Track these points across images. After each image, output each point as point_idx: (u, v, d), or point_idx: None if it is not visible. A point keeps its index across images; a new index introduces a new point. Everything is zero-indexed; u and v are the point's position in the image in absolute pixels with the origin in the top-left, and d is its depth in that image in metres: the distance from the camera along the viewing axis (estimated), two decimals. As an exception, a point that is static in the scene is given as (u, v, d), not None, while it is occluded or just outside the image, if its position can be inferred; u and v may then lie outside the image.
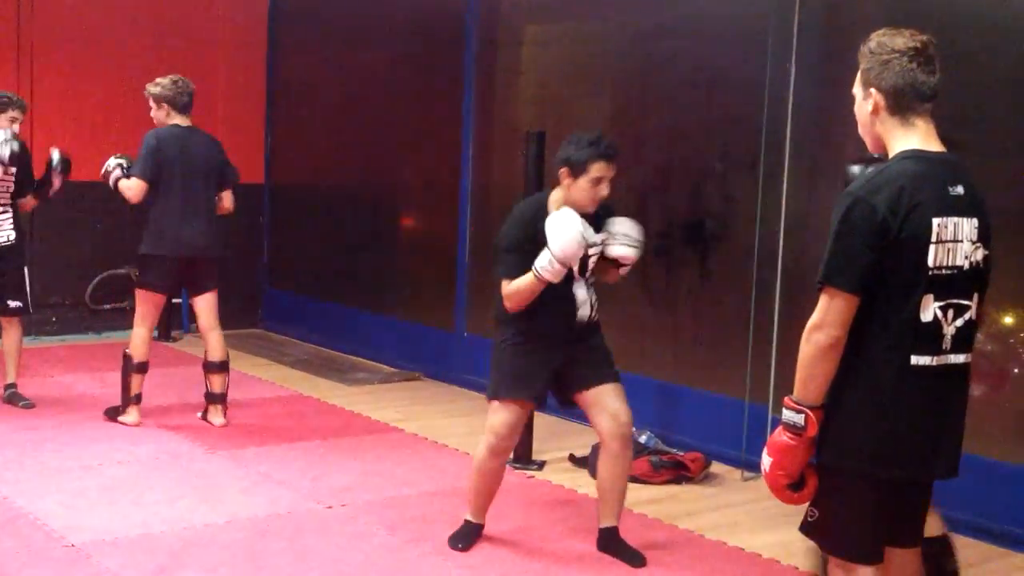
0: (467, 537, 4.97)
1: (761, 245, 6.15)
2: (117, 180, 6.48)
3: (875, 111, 3.01)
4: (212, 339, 6.75)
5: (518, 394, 4.75)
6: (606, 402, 4.73)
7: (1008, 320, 5.40)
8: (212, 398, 6.77)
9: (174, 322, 9.66)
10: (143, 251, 6.55)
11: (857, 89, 3.06)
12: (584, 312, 4.73)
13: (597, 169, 4.56)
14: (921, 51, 2.95)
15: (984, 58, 5.41)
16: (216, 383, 6.75)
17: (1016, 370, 5.40)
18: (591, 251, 4.60)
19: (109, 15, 9.34)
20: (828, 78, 5.95)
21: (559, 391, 4.89)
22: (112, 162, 6.54)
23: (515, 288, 4.60)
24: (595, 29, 7.51)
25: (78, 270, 9.33)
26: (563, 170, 4.64)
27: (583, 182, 4.58)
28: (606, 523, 4.86)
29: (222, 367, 6.73)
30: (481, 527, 5.03)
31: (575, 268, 4.59)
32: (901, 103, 2.96)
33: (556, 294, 4.64)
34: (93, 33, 9.27)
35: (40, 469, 5.79)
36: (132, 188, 6.41)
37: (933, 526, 3.87)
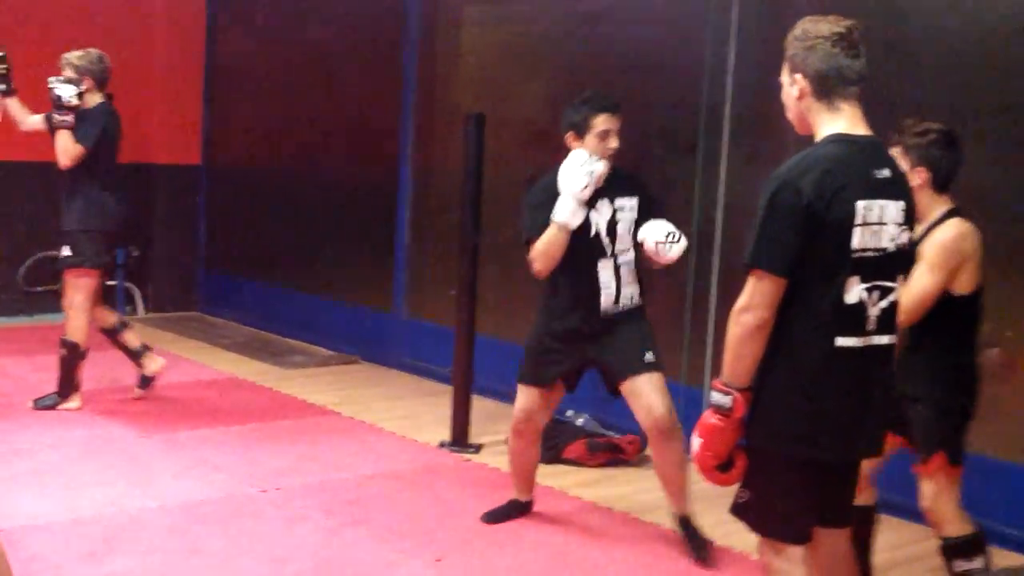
0: (499, 513, 5.08)
1: (699, 228, 6.17)
2: (62, 126, 6.31)
3: (801, 96, 3.04)
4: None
5: (530, 380, 4.80)
6: (640, 395, 4.63)
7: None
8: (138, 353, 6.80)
9: (109, 305, 9.54)
10: (83, 227, 6.41)
11: (784, 75, 3.09)
12: (607, 299, 4.63)
13: (601, 122, 4.55)
14: (845, 36, 2.98)
15: (921, 44, 5.46)
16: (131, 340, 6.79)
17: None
18: (618, 215, 4.59)
19: (43, -7, 9.18)
20: (767, 61, 5.93)
21: (605, 382, 4.86)
22: (65, 92, 6.36)
23: (541, 245, 4.54)
24: (535, 11, 7.49)
25: (10, 251, 9.17)
26: (569, 135, 4.64)
27: (590, 139, 4.57)
28: (674, 511, 4.83)
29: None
30: (525, 504, 5.13)
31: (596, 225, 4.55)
32: (826, 87, 2.99)
33: (580, 278, 4.61)
34: (27, 11, 9.09)
35: (-31, 453, 5.70)
36: (71, 152, 6.30)
37: (866, 496, 4.02)
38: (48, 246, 9.21)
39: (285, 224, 9.47)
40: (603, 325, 4.66)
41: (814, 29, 3.00)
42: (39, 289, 9.31)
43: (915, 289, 3.71)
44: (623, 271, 4.66)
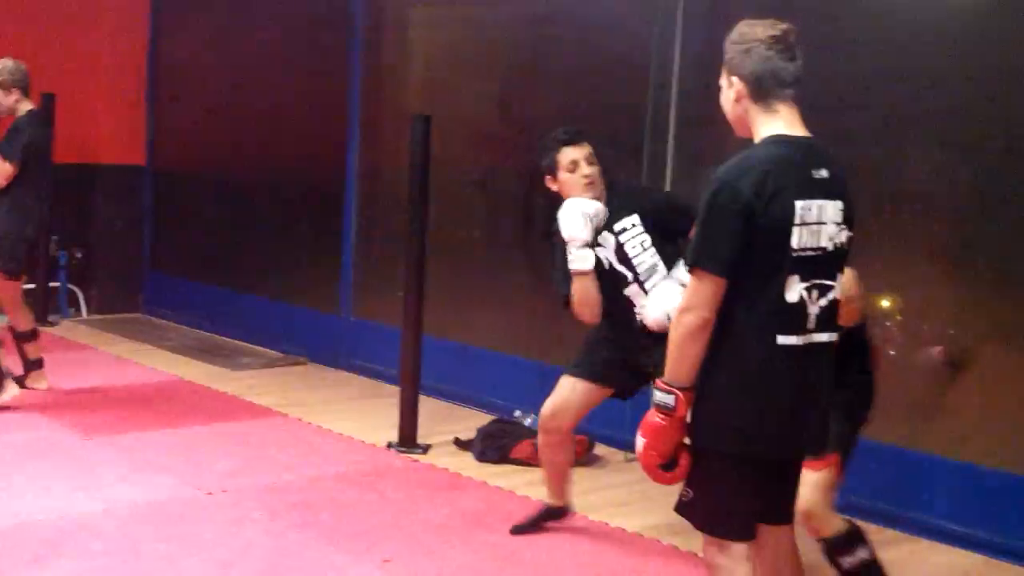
0: (529, 522, 4.99)
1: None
2: None
3: (738, 98, 3.08)
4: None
5: (570, 371, 4.77)
6: None
7: (882, 303, 5.54)
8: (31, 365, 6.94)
9: (51, 307, 9.45)
10: (14, 235, 6.50)
11: (722, 78, 3.13)
12: (647, 315, 4.50)
13: (565, 156, 4.56)
14: (781, 39, 3.02)
15: (866, 44, 5.53)
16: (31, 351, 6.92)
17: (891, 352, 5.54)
18: (621, 237, 4.54)
19: (-13, -6, 9.07)
20: (712, 65, 5.98)
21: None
22: None
23: (576, 297, 4.54)
24: (481, 12, 7.51)
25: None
26: (547, 179, 4.65)
27: (563, 176, 4.57)
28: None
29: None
30: (558, 509, 4.99)
31: (603, 248, 4.54)
32: (762, 90, 3.03)
33: (615, 311, 4.57)
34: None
35: None
36: (4, 173, 6.41)
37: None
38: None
39: (231, 225, 9.42)
40: (644, 340, 4.53)
41: (750, 32, 3.04)
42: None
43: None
44: (649, 286, 4.55)
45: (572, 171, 4.55)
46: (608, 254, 4.58)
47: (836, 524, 4.04)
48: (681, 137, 6.13)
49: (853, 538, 4.06)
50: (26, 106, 6.54)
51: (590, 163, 4.56)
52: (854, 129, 5.50)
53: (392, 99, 8.11)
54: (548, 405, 4.79)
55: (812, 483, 3.84)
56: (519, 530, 4.97)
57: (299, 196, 8.87)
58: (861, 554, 4.05)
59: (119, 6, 9.82)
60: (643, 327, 4.50)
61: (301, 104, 8.76)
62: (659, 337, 4.32)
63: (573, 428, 4.86)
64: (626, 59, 6.51)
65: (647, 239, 4.58)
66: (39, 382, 6.92)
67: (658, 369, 4.46)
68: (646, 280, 4.54)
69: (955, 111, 5.23)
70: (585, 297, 4.51)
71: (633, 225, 4.60)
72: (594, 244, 4.52)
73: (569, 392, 4.76)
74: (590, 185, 4.54)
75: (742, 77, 3.05)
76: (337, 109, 8.24)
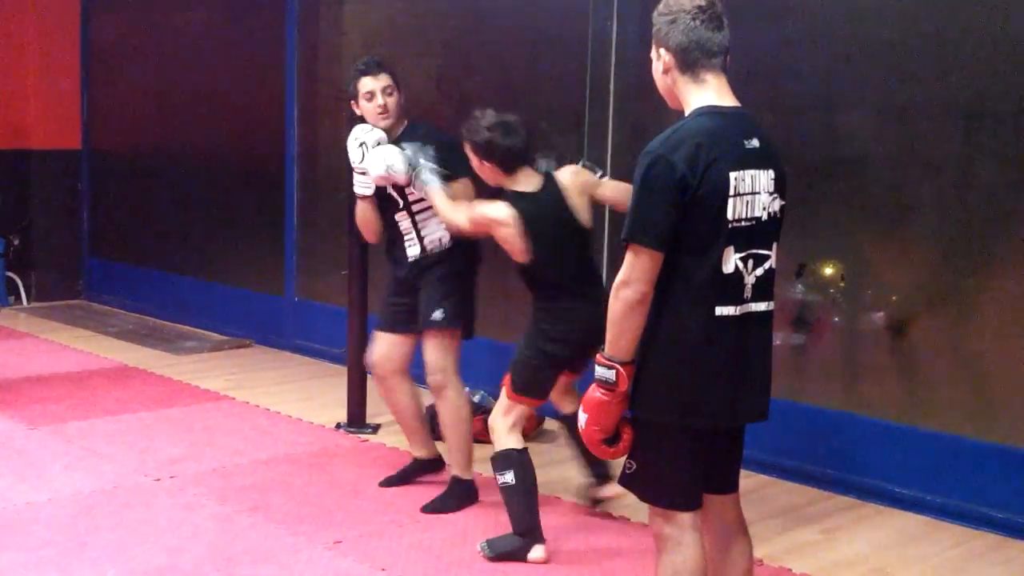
0: (398, 475, 5.33)
1: (587, 202, 6.20)
2: None
3: (666, 70, 3.09)
4: None
5: (377, 325, 5.24)
6: (424, 351, 4.97)
7: (825, 271, 5.58)
8: None
9: (-9, 296, 9.34)
10: None
11: (652, 51, 3.13)
12: (411, 247, 4.95)
13: (364, 85, 4.88)
14: (706, 9, 3.03)
15: (798, 10, 5.55)
16: None
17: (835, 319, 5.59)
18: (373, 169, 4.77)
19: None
20: (650, 35, 6.02)
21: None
22: None
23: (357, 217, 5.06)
24: (418, -13, 7.46)
25: None
26: (352, 103, 4.99)
27: (361, 103, 4.91)
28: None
29: None
30: (428, 461, 5.36)
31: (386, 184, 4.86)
32: (689, 60, 3.04)
33: (390, 233, 5.02)
34: None
35: None
36: None
37: (568, 405, 4.86)
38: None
39: (171, 208, 9.32)
40: (415, 273, 4.97)
41: (676, 3, 3.05)
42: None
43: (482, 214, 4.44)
44: (419, 216, 4.91)
45: (368, 100, 4.88)
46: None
47: (507, 442, 4.48)
48: (621, 107, 6.13)
49: (510, 460, 4.46)
50: None
51: (387, 94, 4.88)
52: (789, 96, 5.54)
53: (330, 76, 8.04)
54: (370, 358, 5.23)
55: (500, 398, 4.52)
56: (388, 483, 5.26)
57: (240, 177, 8.78)
58: (507, 477, 4.45)
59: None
60: (411, 255, 4.94)
61: (239, 83, 8.67)
62: (421, 272, 4.95)
63: (400, 374, 5.16)
64: (565, 30, 6.49)
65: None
66: None
67: (420, 307, 4.94)
68: (418, 211, 4.91)
69: (893, 74, 5.27)
70: (362, 219, 5.03)
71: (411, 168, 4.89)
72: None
73: (378, 344, 5.17)
74: (382, 115, 4.88)
75: (668, 48, 3.05)
76: (275, 88, 8.17)
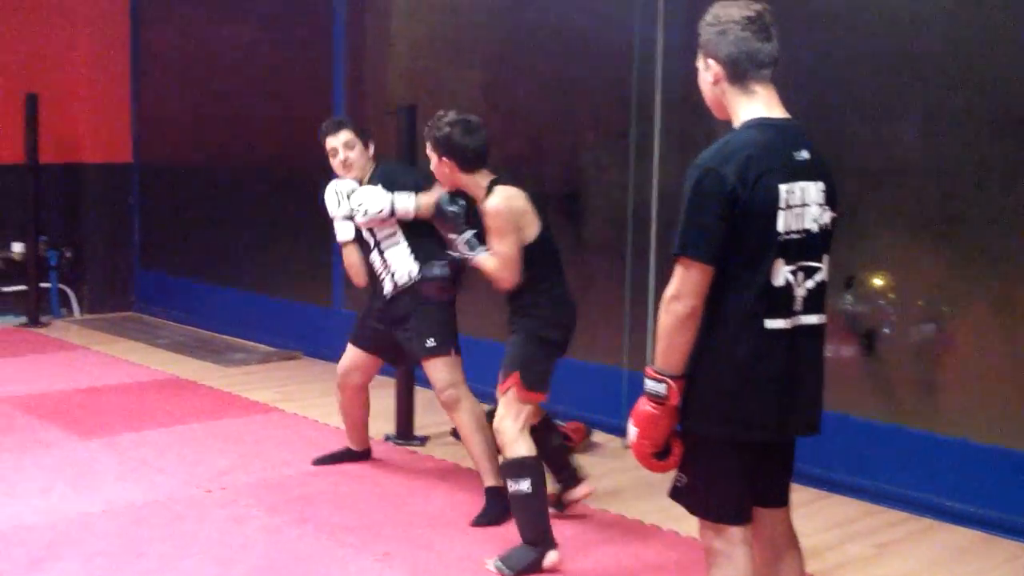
0: (329, 456, 5.84)
1: (634, 214, 6.21)
2: None
3: (716, 81, 3.08)
4: None
5: (349, 338, 5.57)
6: (429, 376, 5.24)
7: (874, 282, 5.54)
8: None
9: (42, 308, 9.44)
10: None
11: (699, 61, 3.12)
12: (386, 284, 5.28)
13: (327, 144, 5.38)
14: (755, 19, 3.02)
15: (851, 24, 5.52)
16: None
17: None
18: (356, 215, 5.19)
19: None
20: (695, 46, 6.00)
21: (401, 359, 5.68)
22: None
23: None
24: (465, -1, 7.48)
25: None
26: None
27: (330, 159, 5.42)
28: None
29: None
30: (359, 453, 5.87)
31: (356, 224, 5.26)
32: (738, 71, 3.03)
33: (368, 265, 5.34)
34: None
35: (-97, 464, 5.62)
36: None
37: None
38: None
39: (220, 221, 9.40)
40: (392, 306, 5.28)
41: (724, 14, 3.04)
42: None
43: (498, 256, 4.41)
44: (388, 255, 5.27)
45: (333, 156, 5.38)
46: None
47: (520, 449, 4.43)
48: (667, 119, 6.12)
49: (526, 468, 4.42)
50: None
51: (349, 147, 5.34)
52: (838, 106, 5.50)
53: (376, 89, 8.09)
54: (339, 366, 5.58)
55: (503, 403, 4.49)
56: (320, 461, 5.76)
57: (288, 189, 8.84)
58: (523, 485, 4.39)
59: (97, 1, 9.77)
60: (386, 291, 5.28)
61: (286, 95, 8.73)
62: (400, 307, 5.21)
63: (361, 390, 5.62)
64: (609, 42, 6.49)
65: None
66: None
67: (411, 341, 5.17)
68: (386, 249, 5.27)
69: (941, 84, 5.22)
70: (348, 263, 5.37)
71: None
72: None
73: (348, 357, 5.53)
74: (347, 169, 5.35)
75: (718, 59, 3.05)
76: (322, 100, 8.22)
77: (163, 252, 10.02)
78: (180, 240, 9.85)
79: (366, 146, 5.40)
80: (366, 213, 5.13)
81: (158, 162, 10.03)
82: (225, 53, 9.29)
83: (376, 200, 5.14)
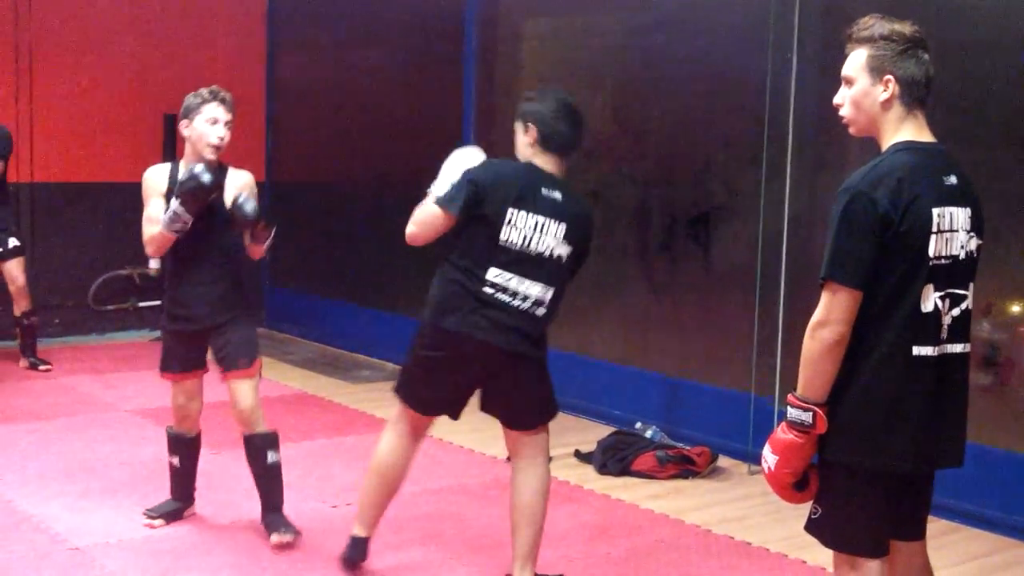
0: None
1: (765, 238, 6.12)
2: None
3: (890, 99, 2.97)
4: None
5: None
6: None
7: (1014, 309, 5.38)
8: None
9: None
10: None
11: (860, 73, 3.00)
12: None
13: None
14: (923, 41, 2.94)
15: (977, 50, 5.38)
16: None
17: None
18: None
19: (107, 16, 9.30)
20: (830, 68, 5.89)
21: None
22: None
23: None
24: (595, 22, 7.48)
25: (80, 271, 9.32)
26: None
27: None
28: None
29: None
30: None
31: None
32: (913, 93, 2.95)
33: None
34: (91, 33, 9.24)
35: (43, 472, 5.78)
36: None
37: None
38: (116, 265, 9.39)
39: (349, 239, 9.52)
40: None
41: (901, 31, 2.94)
42: (109, 308, 9.45)
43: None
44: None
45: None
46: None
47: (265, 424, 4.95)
48: (800, 143, 6.02)
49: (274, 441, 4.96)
50: None
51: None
52: (980, 131, 5.36)
53: (507, 114, 8.12)
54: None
55: (248, 387, 5.03)
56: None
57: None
58: (273, 456, 4.95)
59: (236, 24, 10.01)
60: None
61: (417, 119, 8.83)
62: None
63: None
64: (743, 64, 6.42)
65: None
66: None
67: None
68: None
69: None
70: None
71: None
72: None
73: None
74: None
75: (899, 78, 2.94)
76: (452, 123, 8.28)
77: (293, 270, 10.18)
78: (310, 258, 10.01)
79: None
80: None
81: (289, 181, 10.21)
82: (357, 78, 9.43)
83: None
